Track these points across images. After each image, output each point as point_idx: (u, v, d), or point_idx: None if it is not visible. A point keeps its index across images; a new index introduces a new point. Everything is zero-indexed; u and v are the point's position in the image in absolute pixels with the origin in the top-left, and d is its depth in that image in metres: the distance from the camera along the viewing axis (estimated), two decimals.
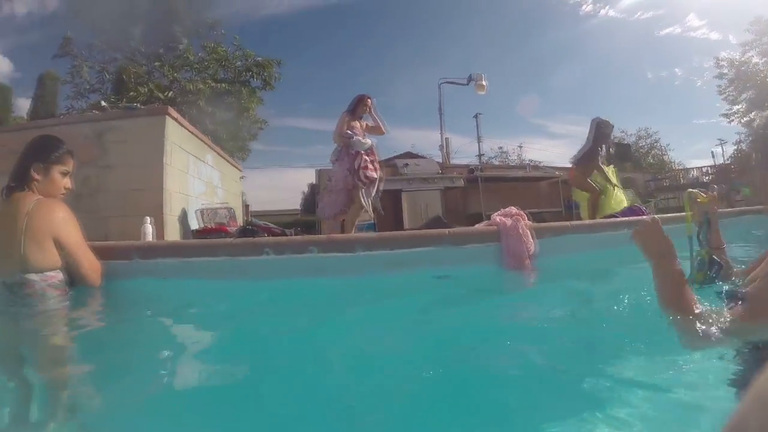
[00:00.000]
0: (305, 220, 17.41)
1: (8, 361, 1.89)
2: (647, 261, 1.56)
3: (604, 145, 6.45)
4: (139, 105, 5.69)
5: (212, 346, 2.05)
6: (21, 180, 2.18)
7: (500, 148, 32.46)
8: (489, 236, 2.89)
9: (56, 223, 2.10)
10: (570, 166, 7.09)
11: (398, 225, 11.87)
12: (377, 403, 1.34)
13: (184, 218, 5.32)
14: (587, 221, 4.74)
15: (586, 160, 6.36)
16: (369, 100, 5.22)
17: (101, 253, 2.35)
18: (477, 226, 3.17)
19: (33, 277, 2.03)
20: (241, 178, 9.64)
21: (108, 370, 1.74)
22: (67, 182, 2.33)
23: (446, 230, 2.80)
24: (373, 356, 1.72)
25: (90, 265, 2.24)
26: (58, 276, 2.12)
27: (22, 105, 19.21)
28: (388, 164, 14.85)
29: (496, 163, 25.89)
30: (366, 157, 4.96)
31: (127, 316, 2.33)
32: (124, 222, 4.86)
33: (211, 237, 3.23)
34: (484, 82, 13.13)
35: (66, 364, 1.85)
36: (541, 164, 16.80)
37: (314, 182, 14.44)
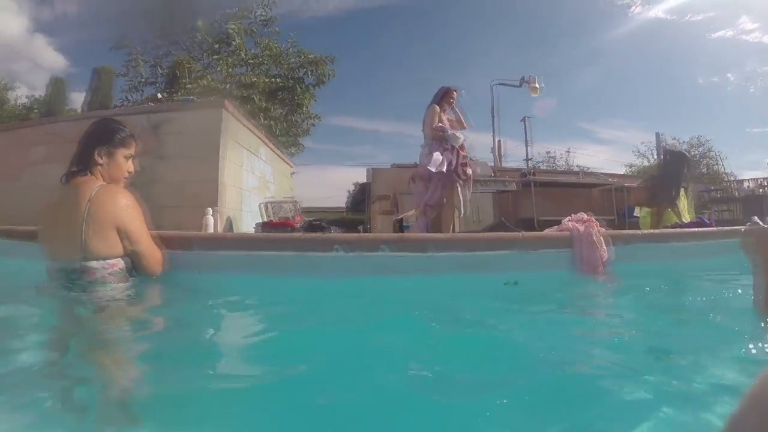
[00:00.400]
0: (351, 218, 17.36)
1: (61, 348, 1.81)
2: (753, 266, 1.62)
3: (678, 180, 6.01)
4: (195, 98, 5.69)
5: (271, 343, 1.95)
6: (84, 164, 2.11)
7: (547, 152, 31.65)
8: (562, 242, 2.73)
9: (119, 210, 2.02)
10: (622, 172, 6.64)
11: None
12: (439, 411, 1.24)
13: (238, 212, 5.32)
14: (657, 231, 4.50)
15: (659, 197, 5.91)
16: (454, 92, 4.90)
17: (163, 242, 2.30)
18: (547, 231, 3.01)
19: (93, 264, 1.95)
20: (292, 174, 9.65)
21: (160, 362, 1.64)
22: (130, 166, 2.25)
23: (519, 234, 2.65)
24: (436, 361, 1.61)
25: (152, 253, 2.18)
26: (119, 264, 2.03)
27: (75, 99, 19.82)
28: None
29: (543, 167, 25.26)
30: (462, 153, 4.68)
31: (185, 308, 2.26)
32: (179, 213, 4.87)
33: (276, 231, 3.14)
34: (537, 84, 12.82)
35: (120, 353, 1.76)
36: (589, 170, 16.31)
37: (366, 181, 14.35)
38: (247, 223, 5.58)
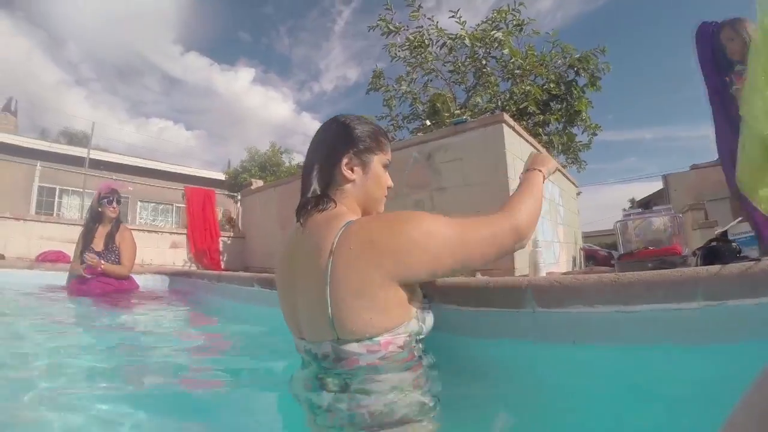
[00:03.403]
0: None
1: None
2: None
3: None
4: (468, 118, 5.20)
5: None
6: (325, 186, 1.47)
7: None
8: None
9: (392, 249, 1.22)
10: None
11: None
12: None
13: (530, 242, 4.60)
14: None
15: None
16: None
17: (480, 297, 1.66)
18: None
19: (353, 348, 1.24)
20: (578, 194, 8.57)
21: None
22: (388, 178, 1.58)
23: None
24: None
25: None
26: (399, 339, 1.27)
27: None
28: None
29: None
30: None
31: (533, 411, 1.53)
32: None
33: (653, 265, 2.08)
34: None
35: None
36: None
37: (663, 188, 12.60)
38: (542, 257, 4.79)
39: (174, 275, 5.88)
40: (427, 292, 1.58)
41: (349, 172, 1.47)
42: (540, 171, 1.79)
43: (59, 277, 4.98)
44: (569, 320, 1.51)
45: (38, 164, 10.37)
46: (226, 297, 4.03)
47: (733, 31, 3.02)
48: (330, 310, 1.22)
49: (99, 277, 4.57)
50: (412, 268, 1.25)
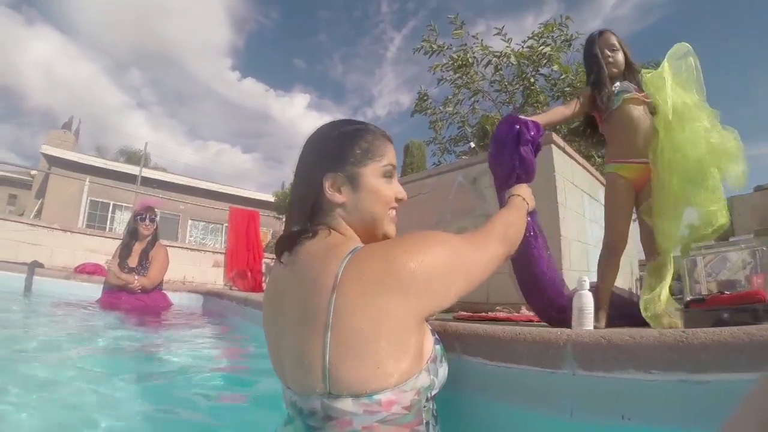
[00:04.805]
0: None
1: None
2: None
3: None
4: None
5: None
6: (313, 215, 1.22)
7: None
8: None
9: (422, 272, 1.01)
10: None
11: None
12: None
13: (584, 274, 4.20)
14: None
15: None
16: None
17: (507, 350, 1.37)
18: None
19: (347, 405, 0.98)
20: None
21: None
22: (396, 187, 1.29)
23: None
24: None
25: None
26: (404, 398, 1.01)
27: None
28: None
29: None
30: None
31: None
32: (506, 281, 4.00)
33: (728, 315, 1.69)
34: None
35: None
36: None
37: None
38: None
39: (207, 295, 5.89)
40: (443, 339, 1.30)
41: (336, 194, 1.21)
42: (522, 198, 1.73)
43: (94, 289, 5.09)
44: (618, 388, 1.18)
45: (87, 179, 10.65)
46: (251, 321, 3.92)
47: (616, 41, 2.57)
48: (327, 357, 0.98)
49: (130, 293, 4.67)
50: (445, 294, 1.08)
